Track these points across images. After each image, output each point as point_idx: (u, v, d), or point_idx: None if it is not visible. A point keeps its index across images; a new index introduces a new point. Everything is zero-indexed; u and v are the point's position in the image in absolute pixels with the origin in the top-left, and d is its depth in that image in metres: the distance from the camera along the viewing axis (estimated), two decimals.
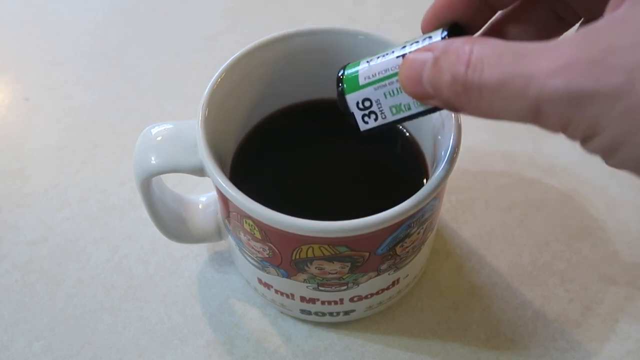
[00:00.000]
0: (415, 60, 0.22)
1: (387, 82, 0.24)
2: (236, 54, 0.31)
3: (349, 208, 0.27)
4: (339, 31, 0.32)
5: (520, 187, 0.39)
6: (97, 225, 0.38)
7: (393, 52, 0.24)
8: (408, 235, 0.28)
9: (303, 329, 0.33)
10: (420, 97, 0.22)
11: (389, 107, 0.24)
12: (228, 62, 0.31)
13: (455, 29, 0.24)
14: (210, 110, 0.29)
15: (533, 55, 0.18)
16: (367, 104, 0.25)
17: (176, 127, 0.29)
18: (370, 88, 0.24)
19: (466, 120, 0.29)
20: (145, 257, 0.36)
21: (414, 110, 0.24)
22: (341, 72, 0.26)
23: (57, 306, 0.34)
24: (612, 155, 0.18)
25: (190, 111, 0.40)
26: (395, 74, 0.24)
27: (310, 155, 0.34)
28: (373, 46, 0.29)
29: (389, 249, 0.28)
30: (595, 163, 0.39)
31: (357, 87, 0.25)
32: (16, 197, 0.39)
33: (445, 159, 0.27)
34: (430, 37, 0.23)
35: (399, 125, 0.34)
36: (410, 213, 0.26)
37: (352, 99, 0.25)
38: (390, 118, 0.25)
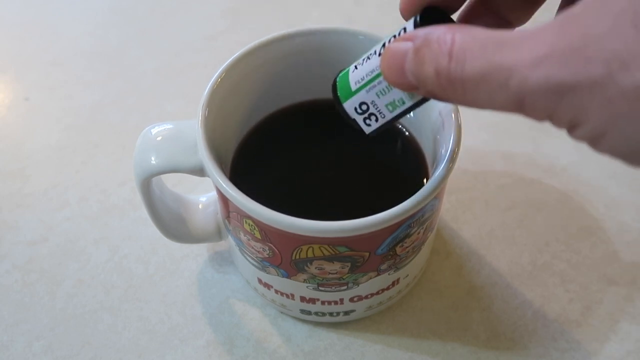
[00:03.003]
0: (395, 51, 0.22)
1: (375, 82, 0.24)
2: (236, 54, 0.31)
3: (349, 208, 0.27)
4: (339, 31, 0.32)
5: (520, 187, 0.39)
6: (97, 225, 0.38)
7: (375, 51, 0.24)
8: (408, 235, 0.28)
9: (303, 329, 0.33)
10: (403, 87, 0.22)
11: (385, 105, 0.25)
12: (228, 62, 0.31)
13: (433, 12, 0.24)
14: (210, 110, 0.29)
15: (514, 45, 0.18)
16: (364, 107, 0.25)
17: (176, 127, 0.29)
18: (363, 92, 0.25)
19: (466, 120, 0.29)
20: (145, 257, 0.36)
21: (408, 104, 0.24)
22: (334, 81, 0.26)
23: (57, 306, 0.34)
24: (598, 144, 0.18)
25: (190, 111, 0.40)
26: (380, 73, 0.24)
27: (310, 155, 0.34)
28: (373, 46, 0.29)
29: (389, 249, 0.28)
30: (595, 163, 0.40)
31: (351, 93, 0.25)
32: (16, 197, 0.39)
33: (445, 159, 0.27)
34: (404, 29, 0.23)
35: (399, 125, 0.34)
36: (410, 213, 0.26)
37: (349, 106, 0.25)
38: (389, 116, 0.25)
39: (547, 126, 0.44)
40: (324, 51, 0.32)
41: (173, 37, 0.48)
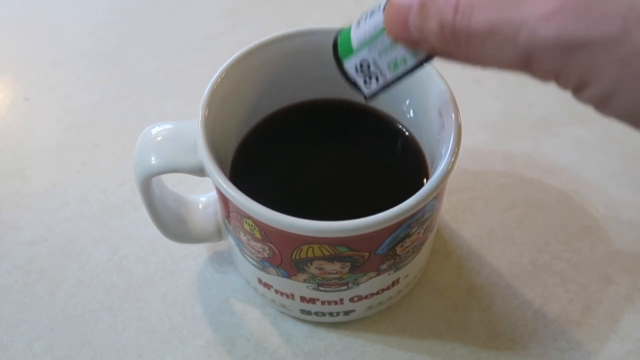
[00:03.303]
0: (399, 4, 0.21)
1: (378, 39, 0.24)
2: (236, 54, 0.31)
3: (349, 208, 0.27)
4: None
5: (520, 187, 0.39)
6: (97, 225, 0.38)
7: (379, 7, 0.24)
8: (408, 235, 0.28)
9: (303, 329, 0.33)
10: (406, 41, 0.22)
11: (387, 64, 0.24)
12: (228, 62, 0.31)
13: None
14: (210, 110, 0.29)
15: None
16: (365, 66, 0.25)
17: (176, 127, 0.29)
18: (364, 50, 0.24)
19: (466, 120, 0.29)
20: (145, 257, 0.36)
21: (410, 63, 0.24)
22: (334, 40, 0.25)
23: (57, 306, 0.34)
24: (605, 105, 0.18)
25: (190, 111, 0.40)
26: (384, 30, 0.23)
27: (310, 155, 0.34)
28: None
29: (389, 249, 0.28)
30: (596, 163, 0.40)
31: (352, 51, 0.25)
32: (16, 197, 0.39)
33: (445, 159, 0.27)
34: None
35: (399, 125, 0.34)
36: (410, 213, 0.26)
37: (349, 65, 0.25)
38: (390, 76, 0.25)
39: (547, 126, 0.44)
40: (324, 51, 0.32)
41: (173, 37, 0.48)
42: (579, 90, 0.18)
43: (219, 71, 0.30)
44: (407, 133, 0.33)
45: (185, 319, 0.34)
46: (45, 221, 0.38)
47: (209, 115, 0.29)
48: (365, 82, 0.25)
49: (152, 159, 0.28)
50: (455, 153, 0.27)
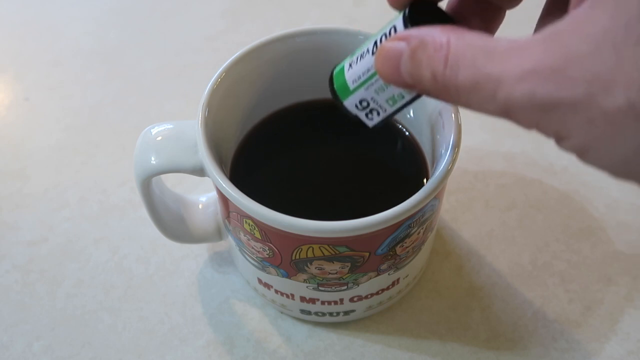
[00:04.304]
0: (389, 51, 0.22)
1: (373, 80, 0.24)
2: (236, 54, 0.31)
3: (348, 208, 0.27)
4: (339, 31, 0.32)
5: (520, 187, 0.39)
6: (97, 225, 0.38)
7: (368, 50, 0.24)
8: (408, 236, 0.28)
9: (303, 329, 0.33)
10: (400, 86, 0.22)
11: (385, 100, 0.25)
12: (228, 62, 0.31)
13: (421, 4, 0.23)
14: (210, 110, 0.29)
15: (501, 57, 0.19)
16: (364, 104, 0.25)
17: (176, 127, 0.29)
18: (361, 90, 0.25)
19: (466, 120, 0.29)
20: (145, 257, 0.36)
21: (407, 98, 0.24)
22: (330, 79, 0.26)
23: (57, 306, 0.34)
24: (584, 157, 0.19)
25: (190, 111, 0.40)
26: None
27: (310, 155, 0.34)
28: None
29: (389, 249, 0.28)
30: None
31: (349, 92, 0.25)
32: (16, 197, 0.39)
33: (445, 159, 0.27)
34: (394, 27, 0.23)
35: (399, 125, 0.34)
36: (410, 213, 0.26)
37: (349, 104, 0.26)
38: (391, 110, 0.25)
39: None
40: (324, 51, 0.32)
41: (173, 37, 0.48)
42: (558, 141, 0.19)
43: (219, 71, 0.30)
44: (407, 133, 0.34)
45: (185, 319, 0.34)
46: (45, 221, 0.38)
47: (209, 115, 0.29)
48: (367, 116, 0.26)
49: (152, 159, 0.28)
50: (455, 153, 0.27)
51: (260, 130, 0.34)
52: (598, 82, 0.17)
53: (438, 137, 0.29)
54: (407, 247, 0.29)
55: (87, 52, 0.47)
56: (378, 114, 0.25)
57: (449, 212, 0.38)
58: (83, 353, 0.33)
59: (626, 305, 0.34)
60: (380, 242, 0.27)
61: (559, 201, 0.38)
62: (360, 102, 0.25)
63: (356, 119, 0.26)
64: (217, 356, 0.32)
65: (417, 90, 0.22)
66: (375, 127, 0.26)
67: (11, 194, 0.39)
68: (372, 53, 0.24)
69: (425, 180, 0.31)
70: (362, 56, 0.24)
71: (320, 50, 0.32)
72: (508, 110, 0.19)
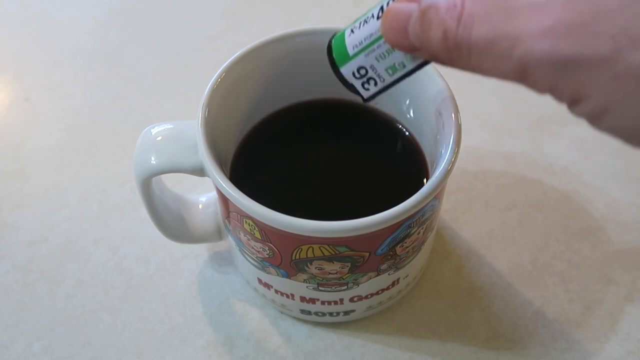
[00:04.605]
0: (399, 11, 0.21)
1: (375, 46, 0.24)
2: (236, 54, 0.31)
3: (349, 208, 0.27)
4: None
5: (520, 187, 0.39)
6: (97, 225, 0.38)
7: (373, 15, 0.23)
8: (408, 236, 0.28)
9: (303, 329, 0.33)
10: (405, 49, 0.22)
11: (385, 69, 0.24)
12: (228, 62, 0.31)
13: None
14: (210, 110, 0.29)
15: (521, 14, 0.18)
16: (362, 71, 0.25)
17: (176, 127, 0.29)
18: (361, 56, 0.24)
19: (466, 120, 0.29)
20: (145, 257, 0.36)
21: (409, 67, 0.24)
22: (328, 45, 0.25)
23: (57, 306, 0.34)
24: (598, 121, 0.18)
25: (190, 111, 0.40)
26: (381, 37, 0.23)
27: (310, 155, 0.34)
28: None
29: (389, 249, 0.28)
30: (596, 163, 0.40)
31: (348, 57, 0.25)
32: (16, 197, 0.39)
33: (445, 158, 0.27)
34: None
35: (399, 125, 0.34)
36: (410, 213, 0.26)
37: (346, 70, 0.25)
38: (389, 80, 0.25)
39: (547, 126, 0.44)
40: (323, 51, 0.32)
41: (173, 37, 0.48)
42: (573, 104, 0.18)
43: (219, 71, 0.30)
44: (407, 133, 0.33)
45: (185, 319, 0.34)
46: (45, 221, 0.38)
47: (209, 115, 0.29)
48: (363, 85, 0.25)
49: (152, 159, 0.28)
50: (455, 153, 0.27)
51: (260, 130, 0.34)
52: (626, 36, 0.16)
53: (438, 137, 0.29)
54: (407, 247, 0.29)
55: (87, 52, 0.47)
56: (375, 83, 0.25)
57: (449, 212, 0.38)
58: (83, 353, 0.33)
59: (626, 305, 0.34)
60: (380, 242, 0.27)
61: (559, 201, 0.38)
62: (359, 69, 0.25)
63: (352, 89, 0.25)
64: (217, 356, 0.32)
65: (423, 54, 0.21)
66: (370, 99, 0.26)
67: (11, 194, 0.39)
68: (378, 17, 0.23)
69: (425, 180, 0.31)
70: (365, 21, 0.24)
71: (320, 50, 0.32)
72: (524, 70, 0.18)
